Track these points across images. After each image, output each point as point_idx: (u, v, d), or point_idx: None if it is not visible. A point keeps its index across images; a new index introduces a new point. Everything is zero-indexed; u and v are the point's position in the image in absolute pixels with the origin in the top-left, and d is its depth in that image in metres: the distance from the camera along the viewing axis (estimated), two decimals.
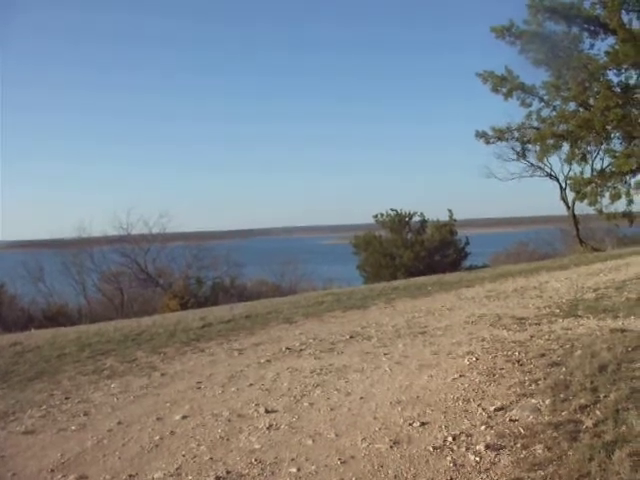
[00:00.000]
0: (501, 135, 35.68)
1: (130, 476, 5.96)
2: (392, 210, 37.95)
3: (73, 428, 7.60)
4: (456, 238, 37.92)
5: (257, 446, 6.49)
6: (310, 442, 6.50)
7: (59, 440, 7.21)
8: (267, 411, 7.64)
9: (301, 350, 11.13)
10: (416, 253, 35.60)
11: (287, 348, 11.31)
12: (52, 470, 6.25)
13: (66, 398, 9.04)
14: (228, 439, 6.79)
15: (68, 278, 39.20)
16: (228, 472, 5.85)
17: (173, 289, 34.33)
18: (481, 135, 35.71)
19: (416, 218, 38.16)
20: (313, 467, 5.84)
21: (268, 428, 7.03)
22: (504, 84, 33.38)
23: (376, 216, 38.38)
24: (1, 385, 10.14)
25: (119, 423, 7.65)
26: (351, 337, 11.92)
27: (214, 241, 51.63)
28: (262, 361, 10.46)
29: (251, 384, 9.02)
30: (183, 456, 6.37)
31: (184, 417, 7.68)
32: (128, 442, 6.95)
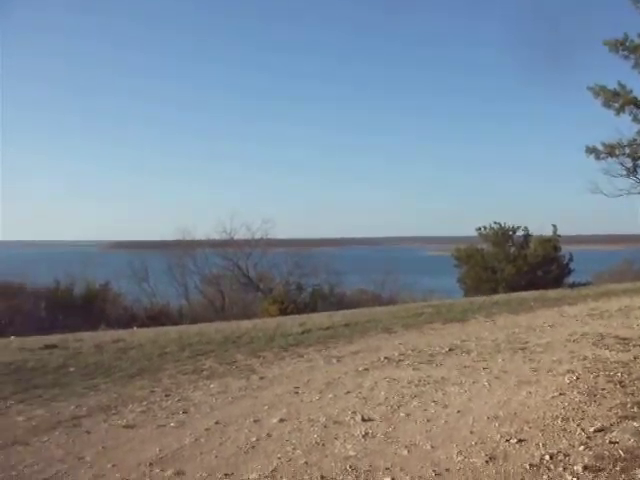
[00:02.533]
0: (612, 151, 34.83)
1: (226, 475, 6.05)
2: (495, 223, 37.44)
3: (172, 425, 7.79)
4: (559, 254, 37.15)
5: (352, 453, 6.51)
6: (405, 452, 6.50)
7: (158, 436, 7.39)
8: (363, 419, 7.67)
9: (399, 360, 11.13)
10: (518, 268, 35.02)
11: (385, 358, 11.33)
12: (150, 464, 6.40)
13: (166, 395, 9.27)
14: (324, 444, 6.84)
15: (171, 279, 39.92)
16: (322, 477, 5.89)
17: (273, 294, 34.57)
18: (591, 150, 34.84)
19: (520, 232, 37.54)
20: (407, 478, 5.83)
21: (364, 436, 7.05)
22: (616, 99, 32.60)
23: (479, 229, 37.91)
24: (104, 380, 10.45)
25: (217, 423, 7.79)
26: (450, 350, 11.87)
27: (315, 248, 51.74)
28: (360, 369, 10.51)
29: (348, 392, 9.07)
30: (279, 459, 6.44)
31: (281, 420, 7.78)
32: (225, 442, 7.07)
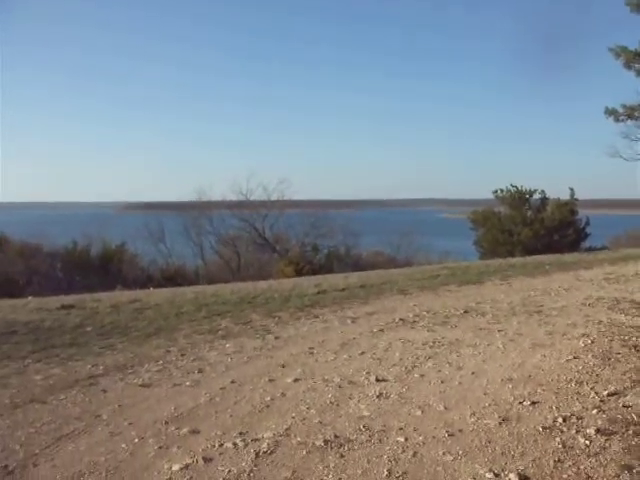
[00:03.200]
0: (631, 113, 34.41)
1: (240, 433, 6.09)
2: (512, 186, 37.22)
3: (187, 384, 7.84)
4: (576, 218, 36.93)
5: (366, 413, 6.55)
6: (419, 413, 6.53)
7: (174, 394, 7.44)
8: (377, 380, 7.70)
9: (414, 322, 11.17)
10: (535, 231, 34.89)
11: (400, 319, 11.37)
12: (166, 422, 6.46)
13: (182, 355, 9.34)
14: (338, 404, 6.88)
15: (187, 240, 40.04)
16: (336, 436, 5.93)
17: (289, 255, 34.62)
18: (611, 112, 34.42)
19: (536, 195, 37.31)
20: (420, 438, 5.86)
21: (378, 396, 7.08)
22: (637, 60, 32.12)
23: (496, 191, 37.67)
24: (121, 339, 10.52)
25: (232, 382, 7.84)
26: (465, 312, 11.89)
27: (330, 210, 51.62)
28: (375, 330, 10.56)
29: (363, 352, 9.11)
30: (293, 418, 6.48)
31: (295, 380, 7.82)
32: (240, 401, 7.11)
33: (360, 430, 6.07)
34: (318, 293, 14.58)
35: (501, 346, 9.21)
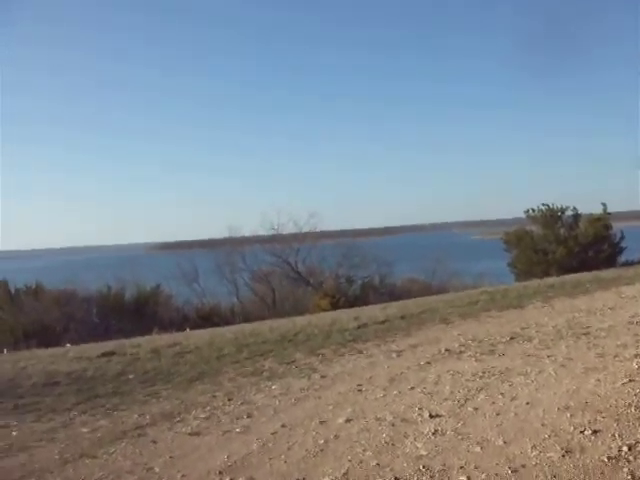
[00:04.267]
0: None
1: None
2: (544, 205, 36.87)
3: (237, 430, 7.70)
4: (610, 232, 36.47)
5: (424, 452, 6.37)
6: (478, 449, 6.34)
7: (224, 442, 7.30)
8: (431, 416, 7.51)
9: (461, 352, 10.96)
10: (569, 249, 34.46)
11: (446, 350, 11.17)
12: (220, 472, 6.30)
13: (229, 400, 9.21)
14: (393, 444, 6.70)
15: (220, 278, 39.98)
16: (396, 479, 5.76)
17: (324, 288, 34.45)
18: None
19: (568, 212, 36.90)
20: (483, 476, 5.67)
21: (434, 433, 6.90)
22: None
23: (527, 211, 37.33)
24: (165, 386, 10.43)
25: (282, 426, 7.68)
26: (511, 338, 11.66)
27: (362, 238, 51.53)
28: (422, 363, 10.36)
29: (412, 387, 8.92)
30: (349, 461, 6.31)
31: (347, 420, 7.65)
32: (293, 445, 6.96)
33: (420, 471, 5.89)
34: (359, 327, 14.42)
35: (553, 373, 8.99)
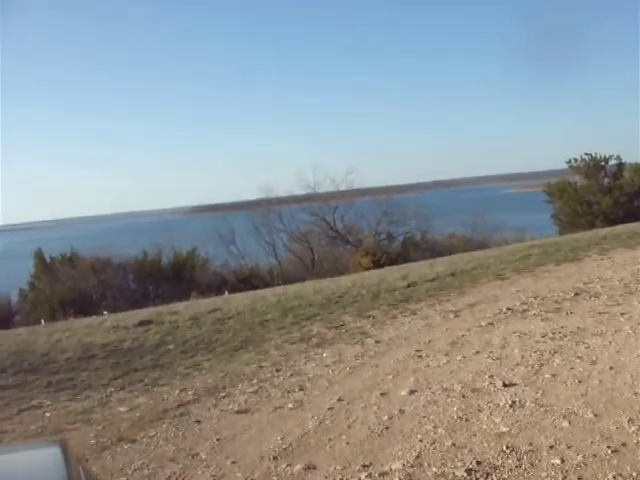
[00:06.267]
0: None
1: (364, 466, 5.17)
2: (586, 154, 35.73)
3: (290, 406, 6.94)
4: None
5: (504, 429, 5.58)
6: (566, 424, 5.54)
7: (277, 420, 6.55)
8: (505, 384, 6.71)
9: (524, 310, 10.13)
10: (615, 199, 33.40)
11: (508, 309, 10.34)
12: (274, 458, 5.55)
13: (277, 370, 8.44)
14: (467, 419, 5.91)
15: (258, 239, 39.25)
16: (478, 463, 4.98)
17: (364, 246, 33.54)
18: None
19: (612, 162, 35.74)
20: (579, 457, 4.89)
21: (511, 406, 6.10)
22: None
23: (569, 161, 36.26)
24: (207, 356, 9.70)
25: (339, 400, 6.92)
26: (576, 294, 10.81)
27: (397, 195, 50.51)
28: (483, 324, 9.54)
29: (477, 352, 8.12)
30: (420, 441, 5.54)
31: (411, 392, 6.86)
32: (353, 423, 6.19)
33: (504, 452, 5.11)
34: (408, 286, 13.61)
35: (631, 332, 8.17)
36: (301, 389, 7.49)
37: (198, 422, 6.77)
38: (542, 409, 5.94)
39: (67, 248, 32.47)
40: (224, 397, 7.56)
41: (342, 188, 41.36)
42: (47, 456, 2.71)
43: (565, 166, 35.87)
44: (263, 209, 41.01)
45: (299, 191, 42.82)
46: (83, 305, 24.78)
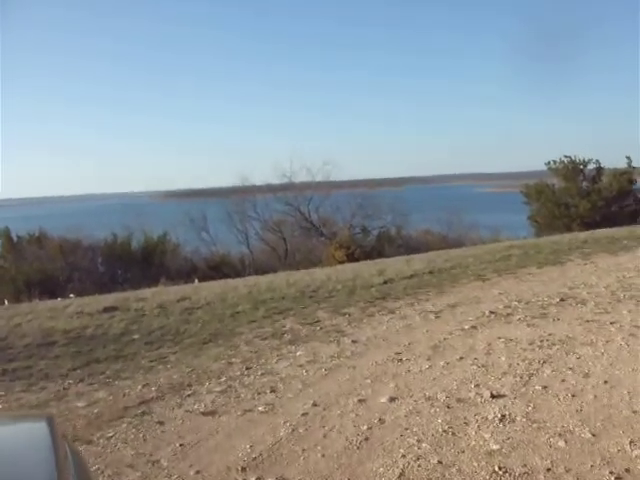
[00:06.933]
0: None
1: None
2: (566, 157, 35.48)
3: (260, 409, 6.41)
4: (635, 187, 35.14)
5: (494, 446, 5.11)
6: (562, 444, 5.08)
7: (246, 425, 6.02)
8: (492, 395, 6.24)
9: (508, 315, 9.68)
10: (593, 203, 33.19)
11: (491, 312, 9.88)
12: (243, 469, 5.03)
13: (247, 368, 7.89)
14: (454, 433, 5.44)
15: (231, 227, 38.52)
16: None
17: (338, 239, 33.00)
18: None
19: (591, 165, 35.51)
20: None
21: (501, 420, 5.63)
22: None
23: (548, 163, 35.99)
24: (173, 349, 9.13)
25: (314, 405, 6.41)
26: (562, 300, 10.39)
27: (369, 189, 50.02)
28: (466, 327, 9.07)
29: (461, 357, 7.65)
30: (403, 457, 5.05)
31: (391, 399, 6.37)
32: (329, 432, 5.69)
33: (496, 474, 4.66)
34: (385, 282, 13.13)
35: (624, 344, 7.75)
36: (273, 390, 6.96)
37: (160, 423, 6.22)
38: (534, 425, 5.49)
39: (35, 227, 31.67)
40: (189, 395, 7.01)
41: (318, 179, 40.74)
42: (33, 431, 2.62)
43: (541, 168, 35.71)
44: (237, 197, 40.35)
45: (275, 180, 42.21)
46: (49, 287, 24.08)
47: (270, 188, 41.82)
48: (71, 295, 18.52)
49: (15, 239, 30.24)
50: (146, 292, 14.88)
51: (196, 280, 20.95)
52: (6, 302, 17.91)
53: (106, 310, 12.05)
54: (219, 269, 28.51)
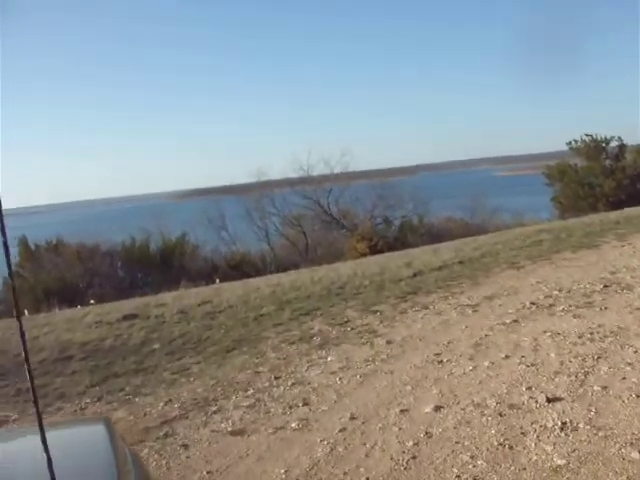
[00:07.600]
0: None
1: None
2: (587, 135, 34.72)
3: (293, 426, 5.84)
4: None
5: (560, 461, 4.52)
6: (635, 455, 4.48)
7: (278, 445, 5.45)
8: (548, 399, 5.64)
9: (550, 305, 9.05)
10: (618, 181, 32.47)
11: (531, 303, 9.26)
12: None
13: (276, 378, 7.34)
14: (511, 447, 4.84)
15: (250, 224, 37.99)
16: None
17: (360, 231, 32.40)
18: None
19: (613, 143, 34.74)
20: None
21: (562, 428, 5.03)
22: None
23: (570, 143, 35.27)
24: (195, 358, 8.61)
25: (352, 418, 5.83)
26: (605, 286, 9.75)
27: (389, 178, 49.32)
28: (507, 321, 8.46)
29: (507, 356, 7.05)
30: (457, 478, 4.49)
31: (437, 408, 5.78)
32: (372, 450, 5.11)
33: None
34: (414, 275, 12.54)
35: None
36: (305, 403, 6.40)
37: (185, 447, 5.67)
38: (600, 433, 4.89)
39: (49, 234, 31.26)
40: (215, 412, 6.47)
41: (336, 171, 40.13)
42: (93, 433, 2.83)
43: (558, 149, 35.03)
44: (255, 193, 39.80)
45: (292, 174, 41.64)
46: (68, 294, 23.68)
47: (288, 182, 41.33)
48: (91, 301, 18.25)
49: (33, 247, 29.84)
50: (166, 296, 14.37)
51: (217, 281, 20.46)
52: (26, 312, 17.47)
53: (125, 318, 11.57)
54: (240, 268, 28.07)
